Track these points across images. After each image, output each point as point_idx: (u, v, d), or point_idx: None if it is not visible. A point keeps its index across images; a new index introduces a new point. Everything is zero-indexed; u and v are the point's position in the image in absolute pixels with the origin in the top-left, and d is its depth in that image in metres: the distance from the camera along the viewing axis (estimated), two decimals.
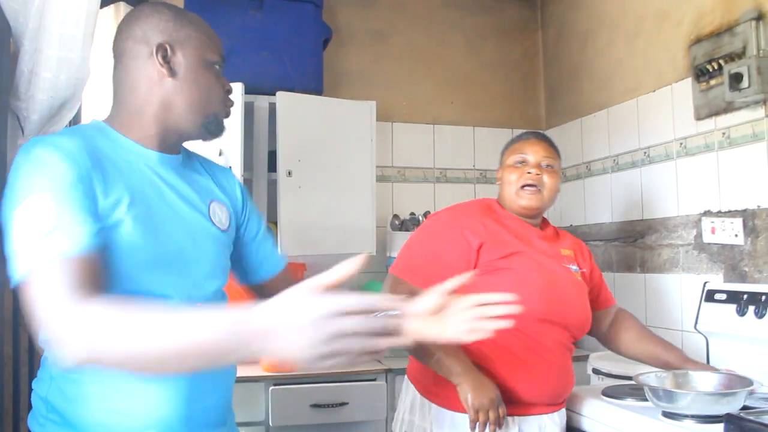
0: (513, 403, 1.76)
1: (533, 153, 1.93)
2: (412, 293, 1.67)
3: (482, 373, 1.72)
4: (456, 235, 1.84)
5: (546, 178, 1.92)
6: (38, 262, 1.05)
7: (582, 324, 1.92)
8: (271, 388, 2.55)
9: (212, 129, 1.38)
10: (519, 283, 1.75)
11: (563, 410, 1.92)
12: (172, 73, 1.30)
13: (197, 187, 1.40)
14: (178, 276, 1.26)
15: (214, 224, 1.39)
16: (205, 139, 1.39)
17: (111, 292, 1.11)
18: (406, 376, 1.98)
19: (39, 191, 1.11)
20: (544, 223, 2.05)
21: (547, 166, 1.93)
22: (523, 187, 1.91)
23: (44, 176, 1.12)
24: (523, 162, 1.93)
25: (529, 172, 1.90)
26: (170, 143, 1.35)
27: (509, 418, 1.75)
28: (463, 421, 1.72)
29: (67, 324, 0.99)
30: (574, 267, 1.96)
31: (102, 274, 1.12)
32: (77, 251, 1.08)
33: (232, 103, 1.41)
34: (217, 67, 1.36)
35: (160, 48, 1.29)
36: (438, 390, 1.81)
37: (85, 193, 1.13)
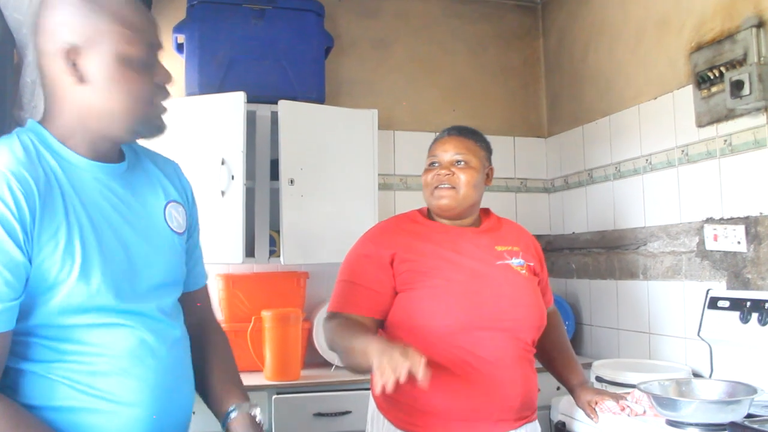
0: (461, 422, 1.66)
1: (443, 152, 1.85)
2: (354, 323, 1.68)
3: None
4: (368, 253, 1.78)
5: (459, 175, 1.81)
6: None
7: (528, 322, 1.76)
8: (274, 396, 2.54)
9: (149, 129, 1.24)
10: (437, 297, 1.69)
11: (531, 425, 1.77)
12: (81, 79, 1.15)
13: (150, 190, 1.31)
14: (134, 290, 1.20)
15: (171, 228, 1.31)
16: (145, 138, 1.26)
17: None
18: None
19: None
20: (485, 217, 1.94)
21: (459, 162, 1.83)
22: (434, 188, 1.83)
23: None
24: (436, 163, 1.86)
25: (438, 174, 1.82)
26: (106, 150, 1.23)
27: None
28: None
29: None
30: (517, 261, 1.82)
31: (4, 356, 1.08)
32: None
33: (165, 96, 1.25)
34: (142, 62, 1.19)
35: (69, 52, 1.13)
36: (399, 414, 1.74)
37: (11, 248, 1.05)
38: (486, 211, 1.97)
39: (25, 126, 1.22)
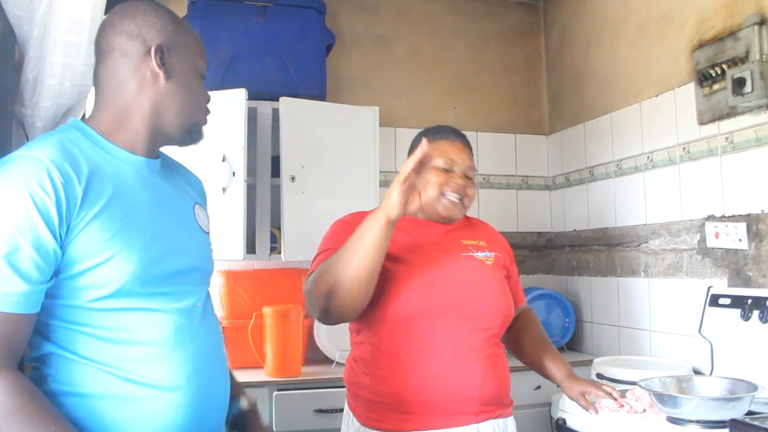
0: (417, 415, 1.60)
1: (461, 161, 1.77)
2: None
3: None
4: (342, 230, 1.71)
5: (469, 191, 1.77)
6: None
7: (491, 311, 1.70)
8: (274, 393, 2.55)
9: (194, 136, 1.36)
10: (397, 281, 1.63)
11: (497, 422, 1.67)
12: (168, 75, 1.27)
13: (181, 189, 1.39)
14: (173, 275, 1.25)
15: (201, 228, 1.39)
16: (184, 145, 1.37)
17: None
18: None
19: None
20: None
21: (469, 177, 1.79)
22: (447, 195, 1.74)
23: (10, 207, 1.09)
24: (451, 168, 1.76)
25: (459, 183, 1.75)
26: (155, 148, 1.33)
27: None
28: None
29: None
30: (482, 253, 1.77)
31: (26, 338, 1.11)
32: (8, 307, 1.07)
33: (207, 112, 1.40)
34: (203, 77, 1.36)
35: (159, 49, 1.26)
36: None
37: (46, 235, 1.09)
38: None
39: (66, 123, 1.30)
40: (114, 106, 1.27)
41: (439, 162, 1.75)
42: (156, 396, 1.17)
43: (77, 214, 1.13)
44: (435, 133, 1.84)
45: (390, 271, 1.64)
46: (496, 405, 1.67)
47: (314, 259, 1.72)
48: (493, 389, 1.65)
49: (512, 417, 1.74)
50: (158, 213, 1.27)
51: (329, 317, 1.58)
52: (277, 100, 2.86)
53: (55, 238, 1.10)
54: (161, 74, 1.27)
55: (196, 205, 1.41)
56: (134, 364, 1.16)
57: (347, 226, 1.69)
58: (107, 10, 1.49)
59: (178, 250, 1.28)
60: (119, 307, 1.16)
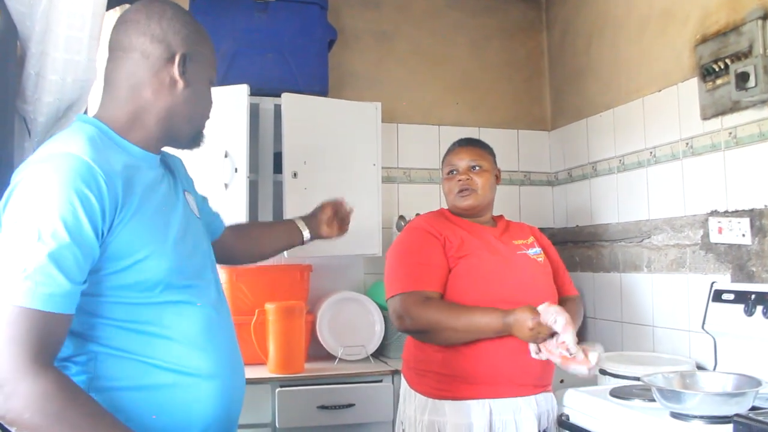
0: (479, 385, 1.91)
1: (459, 161, 2.18)
2: (428, 298, 1.91)
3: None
4: (426, 238, 2.05)
5: (476, 179, 2.15)
6: (6, 299, 1.03)
7: (541, 302, 1.88)
8: (277, 389, 2.55)
9: (198, 141, 1.42)
10: (471, 274, 1.98)
11: (545, 395, 2.01)
12: (186, 84, 1.31)
13: (175, 181, 1.42)
14: (197, 268, 1.30)
15: (195, 215, 1.42)
16: (186, 148, 1.42)
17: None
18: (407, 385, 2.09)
19: (43, 220, 1.07)
20: (498, 220, 2.26)
21: (474, 167, 2.16)
22: (458, 192, 2.15)
23: (56, 205, 1.08)
24: (454, 171, 2.18)
25: (459, 180, 2.15)
26: (162, 147, 1.37)
27: (479, 402, 1.90)
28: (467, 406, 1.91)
29: (20, 385, 1.02)
30: (533, 250, 2.14)
31: (64, 337, 1.11)
32: (52, 306, 1.06)
33: (209, 119, 1.45)
34: (213, 86, 1.42)
35: (183, 58, 1.29)
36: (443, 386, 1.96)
37: (90, 234, 1.10)
38: (498, 216, 2.28)
39: (77, 119, 1.31)
40: (129, 104, 1.29)
41: (444, 172, 2.21)
42: (197, 384, 1.21)
43: (119, 212, 1.15)
44: (447, 152, 2.26)
45: (466, 264, 2.00)
46: (547, 380, 2.02)
47: (398, 268, 2.03)
48: (545, 367, 1.95)
49: (552, 393, 2.06)
50: (176, 207, 1.32)
51: (413, 337, 2.04)
52: (279, 96, 2.86)
53: (98, 237, 1.11)
54: (181, 82, 1.30)
55: (185, 192, 1.43)
56: (175, 355, 1.20)
57: (431, 237, 2.05)
58: (109, 5, 1.49)
59: (194, 244, 1.33)
60: (159, 301, 1.20)
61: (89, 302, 1.14)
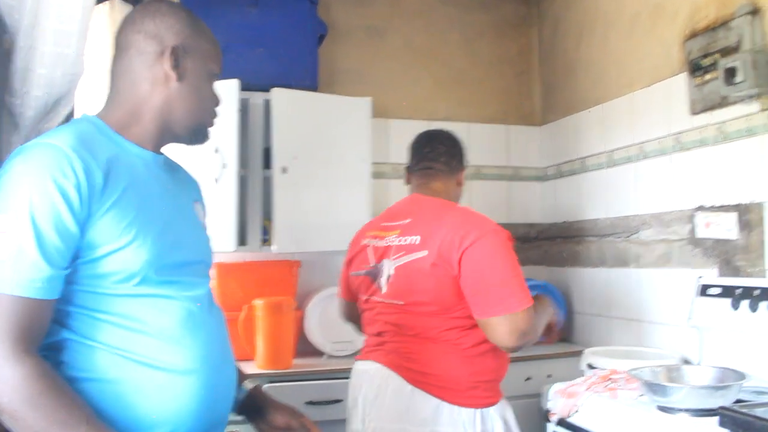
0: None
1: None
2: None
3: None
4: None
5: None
6: None
7: None
8: (266, 385, 2.55)
9: (200, 137, 1.40)
10: None
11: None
12: (180, 77, 1.31)
13: (182, 185, 1.43)
14: (183, 264, 1.28)
15: (201, 224, 1.43)
16: (189, 144, 1.41)
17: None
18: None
19: (20, 208, 1.10)
20: None
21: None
22: None
23: (33, 192, 1.10)
24: None
25: None
26: (161, 144, 1.36)
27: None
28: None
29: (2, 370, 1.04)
30: None
31: (46, 323, 1.12)
32: (32, 292, 1.08)
33: (216, 115, 1.44)
34: (215, 80, 1.39)
35: (174, 51, 1.29)
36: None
37: (69, 219, 1.12)
38: None
39: (77, 117, 1.33)
40: (127, 102, 1.30)
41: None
42: (171, 380, 1.19)
43: (99, 199, 1.15)
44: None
45: None
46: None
47: (518, 280, 1.83)
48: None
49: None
50: (166, 205, 1.30)
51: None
52: (269, 91, 2.86)
53: (77, 223, 1.12)
54: (173, 76, 1.30)
55: (196, 203, 1.45)
56: (149, 348, 1.19)
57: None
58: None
59: (185, 242, 1.32)
60: (135, 293, 1.19)
61: (65, 290, 1.15)
